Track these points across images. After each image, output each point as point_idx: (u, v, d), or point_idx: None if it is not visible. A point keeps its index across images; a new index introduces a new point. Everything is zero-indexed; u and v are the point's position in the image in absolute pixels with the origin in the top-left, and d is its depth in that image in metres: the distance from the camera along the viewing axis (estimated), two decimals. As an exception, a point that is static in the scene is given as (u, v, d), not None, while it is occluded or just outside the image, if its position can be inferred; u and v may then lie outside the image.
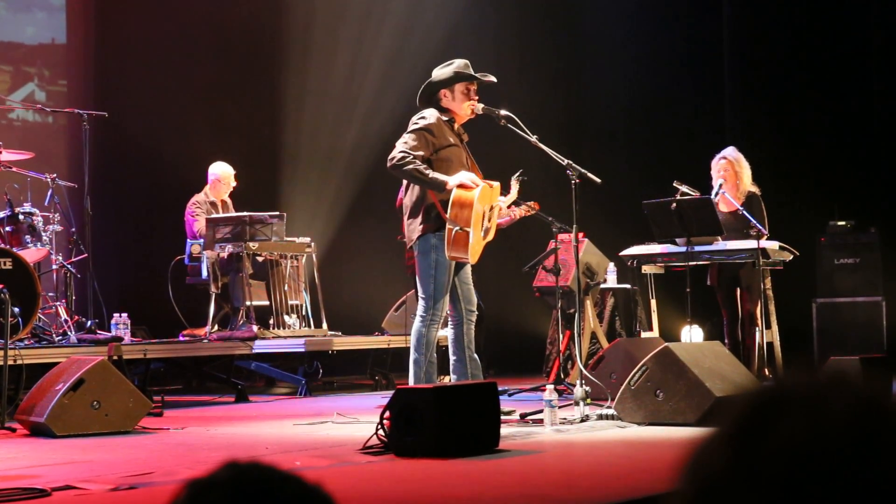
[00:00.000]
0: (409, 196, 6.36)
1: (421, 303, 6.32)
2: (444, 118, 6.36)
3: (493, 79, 6.51)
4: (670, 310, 9.00)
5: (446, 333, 6.56)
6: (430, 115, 6.31)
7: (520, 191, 7.10)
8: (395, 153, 6.18)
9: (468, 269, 6.44)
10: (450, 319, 6.43)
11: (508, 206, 7.55)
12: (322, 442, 5.61)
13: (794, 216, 9.69)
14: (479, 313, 6.74)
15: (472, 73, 6.44)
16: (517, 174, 7.09)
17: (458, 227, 6.10)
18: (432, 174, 6.12)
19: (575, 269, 6.99)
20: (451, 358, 6.42)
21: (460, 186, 6.12)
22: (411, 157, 6.14)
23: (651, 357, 6.07)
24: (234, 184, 9.65)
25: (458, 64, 6.45)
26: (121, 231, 10.89)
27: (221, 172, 9.61)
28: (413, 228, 6.29)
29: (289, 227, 9.37)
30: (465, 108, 6.41)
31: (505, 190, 6.92)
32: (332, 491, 1.06)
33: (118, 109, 10.07)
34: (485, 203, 6.28)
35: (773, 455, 0.87)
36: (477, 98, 6.46)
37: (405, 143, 6.21)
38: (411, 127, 6.29)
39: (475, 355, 6.44)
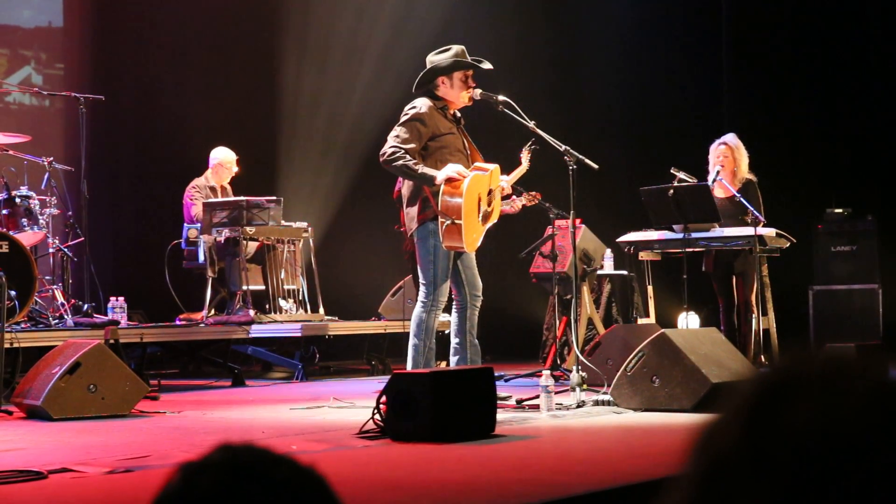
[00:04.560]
0: (405, 186, 6.40)
1: (422, 289, 6.32)
2: (437, 105, 6.34)
3: (490, 66, 6.49)
4: (667, 296, 9.00)
5: (448, 318, 6.56)
6: (420, 105, 6.30)
7: (531, 160, 7.00)
8: (386, 148, 6.19)
9: (472, 253, 6.44)
10: (454, 303, 6.44)
11: (510, 197, 7.51)
12: (318, 426, 5.61)
13: (791, 203, 9.70)
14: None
15: (469, 59, 6.43)
16: (528, 144, 6.98)
17: (450, 220, 6.11)
18: (421, 169, 6.13)
19: (572, 255, 6.99)
20: (453, 341, 6.43)
21: (448, 181, 6.12)
22: (401, 151, 6.14)
23: (647, 343, 6.07)
24: (235, 169, 9.61)
25: (456, 51, 6.43)
26: (117, 215, 10.88)
27: (223, 157, 9.57)
28: (411, 217, 6.30)
29: (286, 211, 9.36)
30: (463, 96, 6.40)
31: (512, 166, 6.89)
32: (328, 475, 1.06)
33: (115, 93, 10.07)
34: (478, 190, 6.28)
35: (786, 437, 0.86)
36: (474, 85, 6.45)
37: (396, 136, 6.21)
38: (402, 118, 6.28)
39: (476, 341, 6.45)
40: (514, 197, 7.75)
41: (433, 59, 6.45)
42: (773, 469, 0.85)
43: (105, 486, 3.88)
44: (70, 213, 8.62)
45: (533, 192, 7.87)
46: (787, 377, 0.90)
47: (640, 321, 8.59)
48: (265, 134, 11.65)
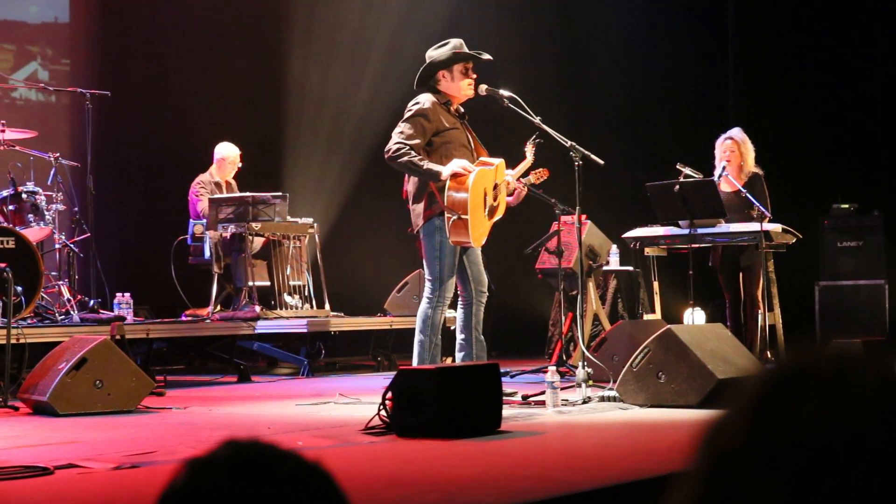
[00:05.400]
0: (411, 183, 6.39)
1: (428, 285, 6.32)
2: (441, 101, 6.34)
3: (489, 57, 6.48)
4: (673, 292, 8.99)
5: (453, 314, 6.56)
6: (424, 100, 6.29)
7: (536, 154, 7.00)
8: (391, 145, 6.19)
9: (478, 250, 6.43)
10: (459, 299, 6.44)
11: (518, 178, 7.50)
12: (324, 422, 5.62)
13: (797, 199, 9.67)
14: (489, 294, 6.72)
15: (468, 51, 6.43)
16: (532, 138, 6.97)
17: (456, 215, 6.11)
18: (426, 165, 6.13)
19: (578, 251, 6.98)
20: (458, 337, 6.43)
21: (453, 176, 6.11)
22: (406, 147, 6.13)
23: (653, 339, 6.07)
24: (239, 164, 9.64)
25: (454, 44, 6.43)
26: (123, 210, 10.89)
27: (226, 153, 9.59)
28: (418, 213, 6.30)
29: (292, 207, 9.36)
30: (464, 86, 6.39)
31: (517, 161, 6.87)
32: (334, 471, 1.06)
33: (121, 89, 10.06)
34: (484, 185, 6.27)
35: (793, 431, 0.85)
36: (475, 76, 6.44)
37: (401, 132, 6.20)
38: (406, 114, 6.28)
39: (481, 337, 6.44)
40: (521, 179, 7.71)
41: (432, 53, 6.45)
42: (781, 464, 0.85)
43: (111, 482, 3.88)
44: (76, 208, 8.63)
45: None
46: (794, 372, 0.89)
47: (646, 317, 8.58)
48: (271, 129, 11.65)
